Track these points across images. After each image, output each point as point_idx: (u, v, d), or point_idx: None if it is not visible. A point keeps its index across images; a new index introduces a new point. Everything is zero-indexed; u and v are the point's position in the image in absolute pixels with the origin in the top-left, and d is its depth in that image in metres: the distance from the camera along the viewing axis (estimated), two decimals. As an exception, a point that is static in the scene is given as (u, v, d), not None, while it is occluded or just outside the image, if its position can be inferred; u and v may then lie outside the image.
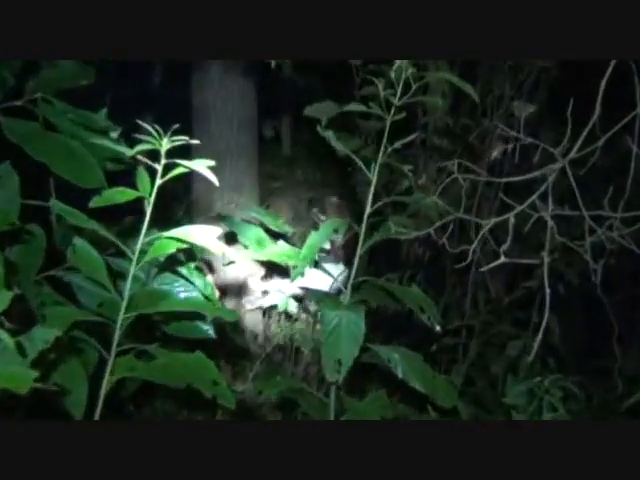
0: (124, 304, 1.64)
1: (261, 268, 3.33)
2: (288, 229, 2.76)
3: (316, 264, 2.13)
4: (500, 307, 3.19)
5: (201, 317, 1.89)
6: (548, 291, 1.74)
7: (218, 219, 2.67)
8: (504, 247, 1.73)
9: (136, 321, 1.66)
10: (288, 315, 3.30)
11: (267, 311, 3.35)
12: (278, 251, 2.10)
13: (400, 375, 1.93)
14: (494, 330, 3.16)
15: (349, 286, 1.98)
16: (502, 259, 1.72)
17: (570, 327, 3.13)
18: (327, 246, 3.26)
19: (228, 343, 2.86)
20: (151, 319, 1.85)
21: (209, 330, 1.93)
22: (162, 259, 1.88)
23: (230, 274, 3.27)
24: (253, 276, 3.34)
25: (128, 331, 1.66)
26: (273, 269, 3.38)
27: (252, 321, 3.36)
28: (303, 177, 4.09)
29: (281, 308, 3.22)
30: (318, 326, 3.15)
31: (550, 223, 1.76)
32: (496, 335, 3.14)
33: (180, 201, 3.40)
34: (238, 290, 3.26)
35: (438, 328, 1.89)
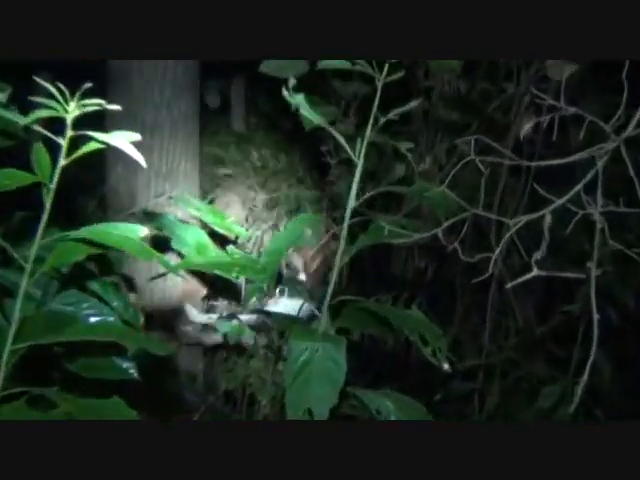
0: (12, 331, 1.62)
1: (203, 286, 3.33)
2: (240, 232, 2.76)
3: (280, 278, 2.14)
4: (530, 340, 3.23)
5: (119, 350, 1.87)
6: (596, 317, 1.75)
7: (143, 217, 2.67)
8: (537, 256, 1.74)
9: (28, 355, 1.65)
10: (240, 350, 3.31)
11: (210, 346, 3.36)
12: (227, 260, 2.10)
13: (394, 431, 1.93)
14: (521, 372, 3.19)
15: (325, 309, 1.98)
16: (534, 272, 1.73)
17: (624, 366, 3.17)
18: (294, 260, 3.27)
19: (155, 388, 2.85)
20: (49, 352, 1.83)
21: (130, 369, 1.90)
22: (65, 270, 1.87)
23: (159, 293, 3.27)
24: (191, 296, 3.34)
25: (17, 369, 1.65)
26: (219, 286, 3.38)
27: (189, 358, 3.36)
28: (260, 161, 4.10)
29: (231, 340, 3.23)
30: (282, 365, 3.16)
31: (599, 223, 1.77)
32: (524, 378, 3.18)
33: (91, 192, 3.39)
34: (170, 316, 3.25)
35: (447, 367, 1.90)
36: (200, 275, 3.33)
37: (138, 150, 1.56)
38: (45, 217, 1.59)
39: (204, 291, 3.37)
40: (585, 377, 1.74)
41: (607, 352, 2.96)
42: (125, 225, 1.66)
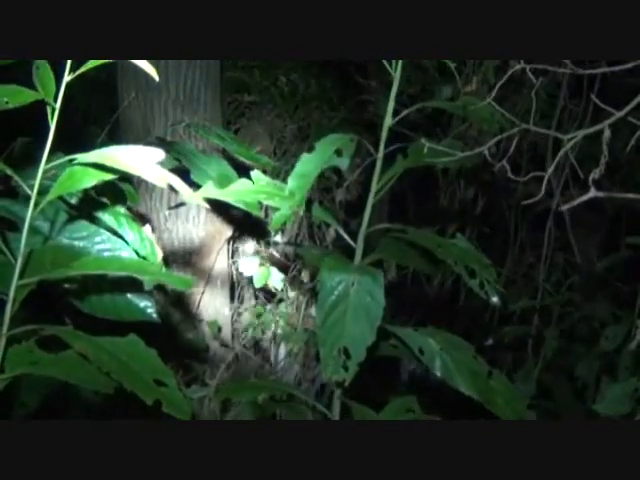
0: (18, 267, 1.64)
1: (228, 226, 3.34)
2: (267, 162, 2.75)
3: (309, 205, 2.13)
4: (591, 278, 3.21)
5: (136, 288, 1.88)
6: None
7: (159, 146, 2.67)
8: (594, 174, 1.72)
9: (36, 292, 1.67)
10: (269, 294, 3.32)
11: (236, 288, 3.37)
12: (250, 188, 2.10)
13: (438, 373, 1.95)
14: (581, 313, 3.18)
15: (360, 238, 1.98)
16: (591, 193, 1.71)
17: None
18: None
19: (176, 335, 2.88)
20: (59, 289, 1.85)
21: (148, 308, 1.92)
22: (74, 200, 1.88)
23: (180, 235, 3.28)
24: (215, 238, 3.35)
25: (25, 307, 1.67)
26: (246, 226, 3.39)
27: (214, 304, 3.38)
28: (288, 87, 4.06)
29: (258, 283, 3.24)
30: (314, 310, 3.17)
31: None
32: (584, 320, 3.17)
33: (100, 118, 3.39)
34: (190, 256, 3.27)
35: (496, 300, 1.90)
36: (224, 215, 3.34)
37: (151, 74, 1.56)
38: (50, 140, 1.59)
39: (229, 232, 3.38)
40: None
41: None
42: (139, 148, 1.65)
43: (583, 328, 3.08)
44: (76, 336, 1.66)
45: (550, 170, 1.77)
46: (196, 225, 3.31)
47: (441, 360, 1.94)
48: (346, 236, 2.03)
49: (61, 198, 1.85)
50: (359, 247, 1.99)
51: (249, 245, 3.51)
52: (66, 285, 1.86)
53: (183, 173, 2.48)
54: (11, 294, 1.64)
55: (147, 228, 2.02)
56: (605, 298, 3.10)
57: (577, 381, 2.97)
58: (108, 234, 1.93)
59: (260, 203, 2.00)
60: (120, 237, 1.94)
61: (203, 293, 3.29)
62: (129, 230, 1.98)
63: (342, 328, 1.81)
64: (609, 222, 3.54)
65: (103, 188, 1.88)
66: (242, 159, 2.63)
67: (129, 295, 1.90)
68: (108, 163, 1.61)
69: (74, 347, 1.64)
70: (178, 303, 2.97)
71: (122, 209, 2.02)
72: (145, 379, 1.61)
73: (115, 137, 3.31)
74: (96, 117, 3.40)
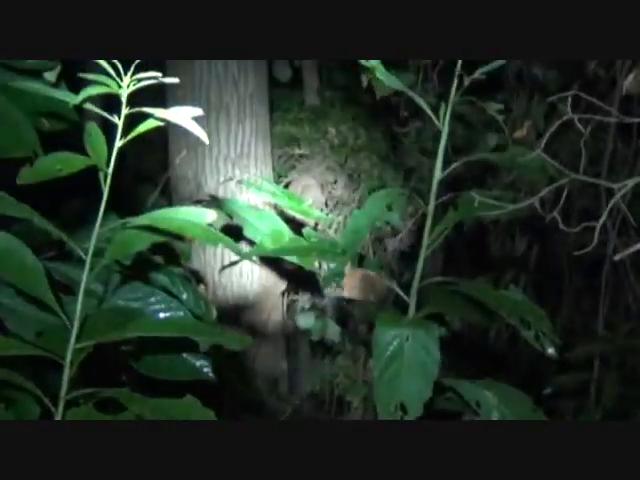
0: (74, 331, 1.65)
1: (282, 278, 3.35)
2: (319, 216, 2.76)
3: (361, 260, 2.14)
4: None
5: (191, 347, 1.88)
6: None
7: (211, 204, 2.69)
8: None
9: (93, 355, 1.68)
10: (326, 347, 3.31)
11: (291, 341, 3.37)
12: (303, 245, 2.11)
13: (497, 426, 1.92)
14: (641, 359, 3.14)
15: (413, 291, 1.98)
16: (647, 240, 1.70)
17: None
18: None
19: (232, 391, 2.88)
20: (115, 352, 1.86)
21: (204, 367, 1.93)
22: (128, 262, 1.90)
23: (234, 290, 3.29)
24: (270, 292, 3.36)
25: (83, 371, 1.68)
26: (300, 279, 3.39)
27: (271, 359, 3.38)
28: (338, 139, 4.08)
29: (316, 336, 3.23)
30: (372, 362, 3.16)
31: None
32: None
33: (153, 180, 3.43)
34: (245, 311, 3.28)
35: (552, 351, 1.88)
36: (278, 269, 3.35)
37: (202, 128, 1.57)
38: (103, 204, 1.60)
39: (283, 285, 3.39)
40: None
41: None
42: (190, 209, 1.67)
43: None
44: (133, 398, 1.66)
45: (602, 220, 1.76)
46: (250, 280, 3.32)
47: (500, 414, 1.92)
48: (399, 290, 2.03)
49: (115, 260, 1.86)
50: (412, 300, 1.98)
51: (304, 298, 3.52)
52: (122, 347, 1.87)
53: (236, 229, 2.50)
54: (68, 357, 1.65)
55: (201, 288, 2.03)
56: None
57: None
58: (163, 294, 1.94)
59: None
60: (175, 297, 1.96)
61: (259, 348, 3.29)
62: (183, 289, 2.00)
63: (398, 384, 1.80)
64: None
65: (156, 248, 1.89)
66: (295, 214, 2.64)
67: (185, 355, 1.91)
68: (160, 226, 1.62)
69: (131, 409, 1.65)
70: (234, 359, 2.97)
71: (176, 269, 2.04)
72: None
73: (167, 194, 3.34)
74: (148, 174, 3.44)
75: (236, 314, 3.26)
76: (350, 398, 3.29)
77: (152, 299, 1.92)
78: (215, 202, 2.62)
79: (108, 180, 1.61)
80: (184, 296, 1.99)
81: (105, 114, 1.58)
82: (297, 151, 3.90)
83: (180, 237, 1.78)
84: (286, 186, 3.69)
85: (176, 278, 2.01)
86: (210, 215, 1.65)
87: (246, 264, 3.26)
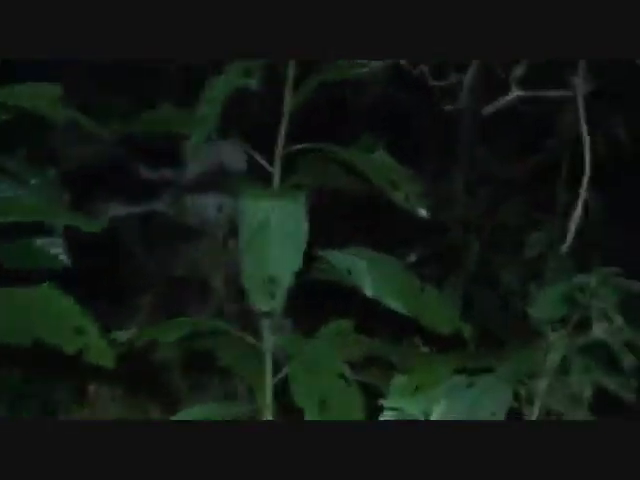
0: None
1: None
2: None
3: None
4: (510, 185, 3.23)
5: (43, 231, 1.83)
6: (587, 138, 1.73)
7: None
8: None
9: None
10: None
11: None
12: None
13: (370, 293, 1.91)
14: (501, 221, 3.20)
15: (277, 159, 1.93)
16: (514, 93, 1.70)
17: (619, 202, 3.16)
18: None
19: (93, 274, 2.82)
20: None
21: (59, 255, 1.87)
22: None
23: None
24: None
25: None
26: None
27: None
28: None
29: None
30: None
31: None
32: (505, 228, 3.19)
33: None
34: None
35: (423, 212, 1.87)
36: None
37: None
38: None
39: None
40: (579, 211, 1.71)
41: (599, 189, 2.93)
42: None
43: (506, 236, 3.11)
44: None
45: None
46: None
47: (371, 279, 1.91)
48: (261, 159, 1.98)
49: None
50: (277, 169, 1.94)
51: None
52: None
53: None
54: None
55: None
56: (524, 205, 3.14)
57: (503, 287, 3.01)
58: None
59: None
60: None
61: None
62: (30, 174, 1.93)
63: (267, 256, 1.78)
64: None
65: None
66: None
67: (37, 241, 1.86)
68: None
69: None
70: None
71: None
72: (63, 327, 1.58)
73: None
74: None
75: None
76: (214, 282, 3.29)
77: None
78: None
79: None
80: (32, 181, 1.91)
81: None
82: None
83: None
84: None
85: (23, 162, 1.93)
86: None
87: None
